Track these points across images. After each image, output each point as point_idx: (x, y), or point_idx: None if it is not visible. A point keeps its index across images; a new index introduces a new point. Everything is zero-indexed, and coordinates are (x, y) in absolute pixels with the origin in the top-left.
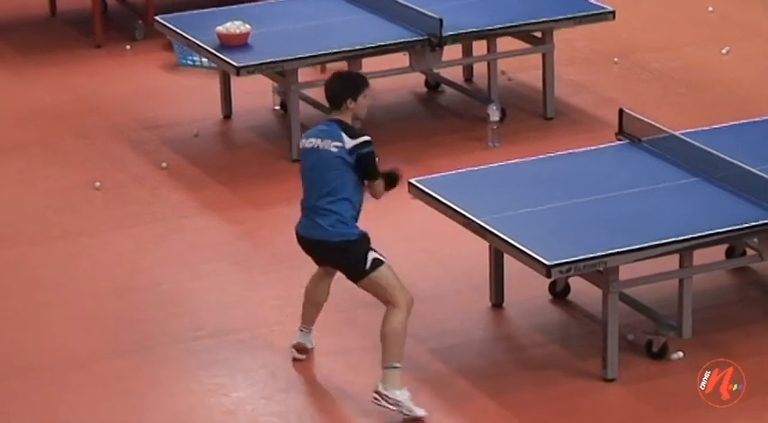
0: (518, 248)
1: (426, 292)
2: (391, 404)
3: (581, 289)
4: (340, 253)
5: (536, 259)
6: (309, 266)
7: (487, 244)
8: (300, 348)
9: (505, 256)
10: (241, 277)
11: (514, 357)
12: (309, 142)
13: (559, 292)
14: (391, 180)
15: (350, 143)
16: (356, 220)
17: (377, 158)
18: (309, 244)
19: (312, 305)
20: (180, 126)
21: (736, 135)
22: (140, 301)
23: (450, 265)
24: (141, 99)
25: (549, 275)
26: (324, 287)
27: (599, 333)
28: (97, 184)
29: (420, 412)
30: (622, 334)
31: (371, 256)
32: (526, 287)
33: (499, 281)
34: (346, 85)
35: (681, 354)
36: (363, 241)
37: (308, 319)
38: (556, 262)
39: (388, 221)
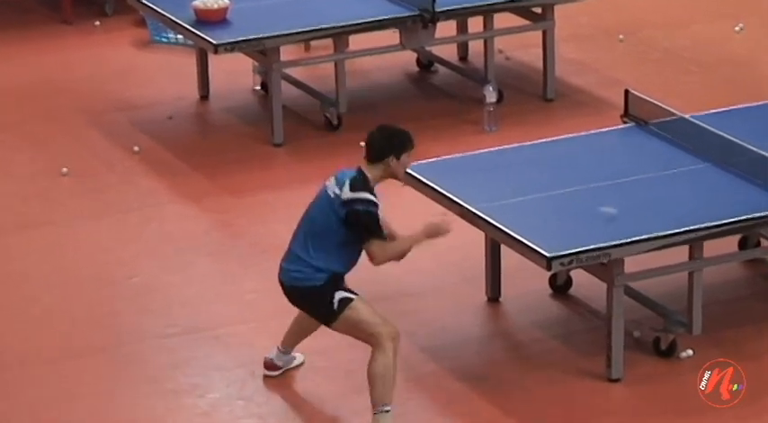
0: (516, 239)
1: (418, 287)
2: None
3: (583, 282)
4: (302, 299)
5: (535, 251)
6: None
7: (483, 234)
8: (269, 364)
9: (503, 247)
10: (218, 270)
11: (512, 355)
12: (329, 180)
13: (560, 286)
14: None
15: (346, 195)
16: (336, 278)
17: (373, 221)
18: (282, 286)
19: (299, 329)
20: (153, 107)
21: (750, 118)
22: (111, 296)
23: (443, 257)
24: (112, 79)
25: (549, 268)
26: (313, 324)
27: (603, 329)
28: (64, 169)
29: None
30: (628, 330)
31: (338, 296)
32: (525, 280)
33: (496, 273)
34: (393, 141)
35: (690, 352)
36: (329, 285)
37: (289, 341)
38: (557, 253)
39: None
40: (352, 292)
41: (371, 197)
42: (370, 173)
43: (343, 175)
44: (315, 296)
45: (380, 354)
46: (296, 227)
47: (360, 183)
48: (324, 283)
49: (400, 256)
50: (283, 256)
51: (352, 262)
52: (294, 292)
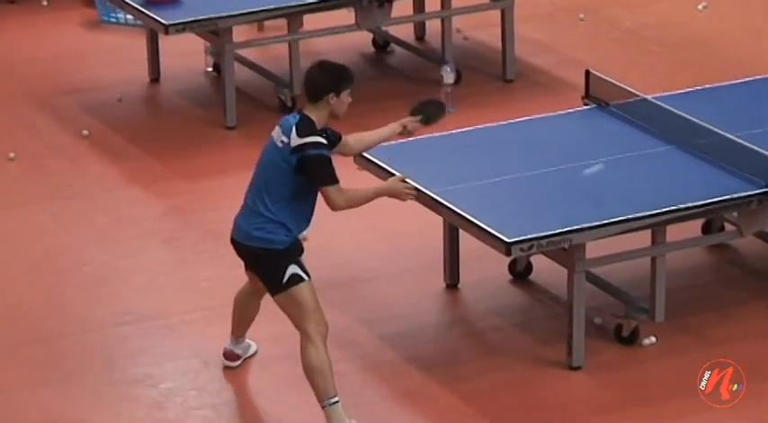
0: (475, 224)
1: (374, 273)
2: None
3: (544, 268)
4: (257, 259)
5: (495, 236)
6: None
7: (441, 219)
8: (229, 354)
9: (461, 232)
10: (170, 257)
11: (471, 343)
12: (275, 129)
13: (520, 272)
14: (430, 113)
15: (295, 141)
16: (294, 229)
17: (326, 164)
18: (235, 245)
19: (241, 318)
20: (102, 90)
21: (714, 99)
22: (59, 284)
23: (400, 243)
24: (59, 61)
25: (508, 253)
26: (254, 305)
27: (563, 316)
28: (11, 154)
29: None
30: (589, 317)
31: (291, 270)
32: (484, 266)
33: (454, 259)
34: (331, 78)
35: (653, 339)
36: (286, 253)
37: (237, 331)
38: (516, 239)
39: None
40: (305, 272)
41: (321, 140)
42: (314, 114)
43: (286, 122)
44: (268, 259)
45: (310, 346)
46: (249, 183)
47: (306, 126)
48: (280, 248)
49: (360, 203)
50: (238, 212)
51: (307, 214)
52: (246, 249)
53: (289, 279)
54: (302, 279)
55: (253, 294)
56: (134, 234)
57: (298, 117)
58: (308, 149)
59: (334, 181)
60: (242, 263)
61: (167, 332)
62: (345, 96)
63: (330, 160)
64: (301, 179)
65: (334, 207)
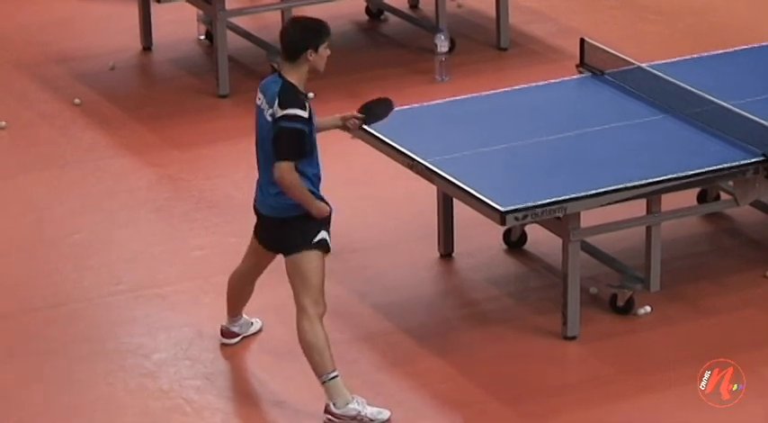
0: (469, 193)
1: (368, 242)
2: (349, 421)
3: (539, 238)
4: (285, 226)
5: (489, 205)
6: (237, 213)
7: (435, 188)
8: (226, 332)
9: (455, 201)
10: (162, 226)
11: (466, 313)
12: (258, 97)
13: (515, 242)
14: (375, 113)
15: (278, 112)
16: (315, 191)
17: (297, 140)
18: (259, 217)
19: (236, 299)
20: (94, 59)
21: (710, 67)
22: (51, 253)
23: (394, 212)
24: (50, 29)
25: (503, 223)
26: (249, 286)
27: (558, 286)
28: (2, 123)
29: (384, 415)
30: (584, 287)
31: (323, 234)
32: (478, 236)
33: (449, 229)
34: (307, 34)
35: (648, 308)
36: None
37: (233, 311)
38: (511, 208)
39: (325, 164)
40: (330, 243)
41: (302, 113)
42: (294, 76)
43: (267, 88)
44: (302, 223)
45: (306, 322)
46: (256, 156)
47: (289, 96)
48: (300, 213)
49: (294, 193)
50: (256, 186)
51: (317, 173)
52: (277, 221)
53: (318, 241)
54: (327, 249)
55: (248, 274)
56: (126, 203)
57: (279, 83)
58: (283, 121)
59: (292, 156)
60: (236, 231)
61: (160, 302)
62: (323, 50)
63: (302, 135)
64: None
65: (277, 180)
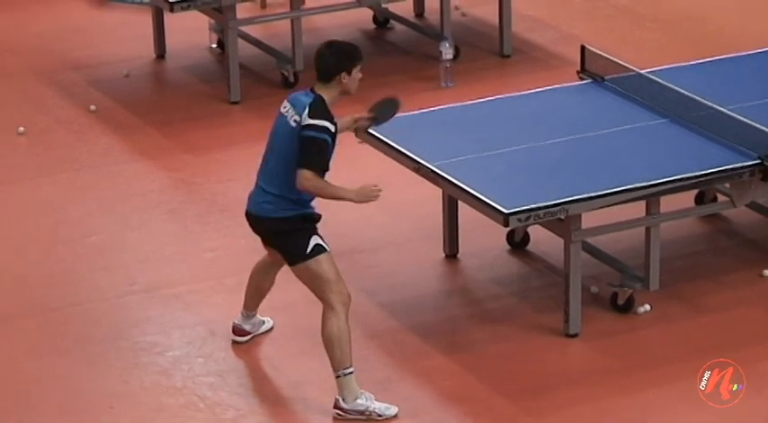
0: (474, 195)
1: (375, 243)
2: (358, 416)
3: (541, 238)
4: (277, 234)
5: (493, 207)
6: None
7: (441, 191)
8: (237, 329)
9: (460, 203)
10: (176, 228)
11: (470, 311)
12: (284, 106)
13: (518, 242)
14: (384, 112)
15: (306, 120)
16: (305, 202)
17: (323, 150)
18: (251, 219)
19: (255, 291)
20: (109, 66)
21: (706, 73)
22: (67, 254)
23: (401, 214)
24: (66, 37)
25: (506, 224)
26: (271, 277)
27: (560, 285)
28: (21, 129)
29: (392, 411)
30: (585, 286)
31: (315, 240)
32: (482, 237)
33: (453, 230)
34: (342, 57)
35: (648, 307)
36: (304, 221)
37: (250, 304)
38: (514, 210)
39: (333, 167)
40: (325, 243)
41: (330, 126)
42: (326, 94)
43: (298, 100)
44: (289, 229)
45: (332, 315)
46: (262, 160)
47: (320, 109)
48: (294, 216)
49: (326, 195)
50: (251, 191)
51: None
52: (266, 222)
53: (313, 249)
54: (324, 249)
55: (271, 266)
56: (140, 206)
57: (311, 96)
58: (312, 130)
59: (319, 167)
60: (247, 234)
61: (173, 301)
62: (356, 73)
63: (327, 147)
64: None
65: (301, 186)
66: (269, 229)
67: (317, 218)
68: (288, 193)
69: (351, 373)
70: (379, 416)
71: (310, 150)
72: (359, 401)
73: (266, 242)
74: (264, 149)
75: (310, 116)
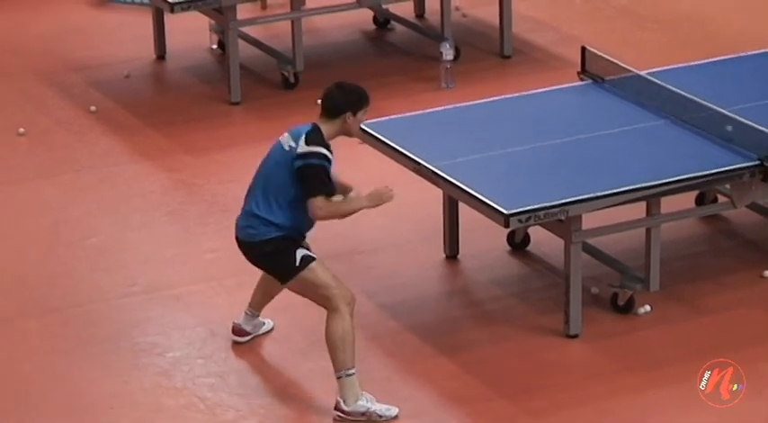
0: (474, 196)
1: (376, 244)
2: (358, 417)
3: (541, 239)
4: (263, 255)
5: (493, 208)
6: None
7: (441, 192)
8: (237, 329)
9: (460, 204)
10: (176, 229)
11: (471, 312)
12: (282, 135)
13: (518, 243)
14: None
15: (302, 148)
16: (288, 227)
17: (325, 175)
18: (239, 245)
19: (263, 292)
20: (109, 67)
21: (707, 74)
22: (67, 255)
23: (401, 215)
24: (67, 38)
25: (507, 225)
26: (279, 285)
27: (561, 286)
28: (21, 129)
29: (393, 412)
30: (586, 287)
31: (300, 253)
32: (483, 238)
33: (454, 231)
34: (350, 98)
35: (648, 308)
36: (285, 239)
37: (256, 304)
38: (514, 211)
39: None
40: (311, 252)
41: (326, 152)
42: (326, 129)
43: (297, 130)
44: (273, 250)
45: (337, 317)
46: (250, 184)
47: (316, 137)
48: (275, 236)
49: (343, 215)
50: (239, 215)
51: (308, 219)
52: (251, 247)
53: (301, 260)
54: (313, 258)
55: None
56: (140, 207)
57: (310, 126)
58: (311, 158)
59: (327, 191)
60: None
61: (174, 302)
62: (361, 116)
63: (328, 173)
64: (301, 188)
65: (317, 216)
66: (257, 254)
67: (300, 239)
68: (272, 216)
69: (353, 373)
70: (380, 417)
71: (313, 178)
72: (360, 403)
73: (257, 267)
74: (255, 174)
75: (307, 143)
